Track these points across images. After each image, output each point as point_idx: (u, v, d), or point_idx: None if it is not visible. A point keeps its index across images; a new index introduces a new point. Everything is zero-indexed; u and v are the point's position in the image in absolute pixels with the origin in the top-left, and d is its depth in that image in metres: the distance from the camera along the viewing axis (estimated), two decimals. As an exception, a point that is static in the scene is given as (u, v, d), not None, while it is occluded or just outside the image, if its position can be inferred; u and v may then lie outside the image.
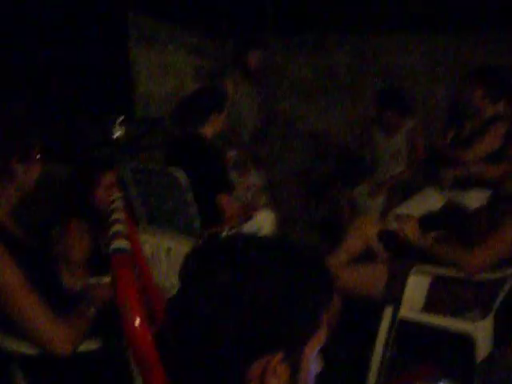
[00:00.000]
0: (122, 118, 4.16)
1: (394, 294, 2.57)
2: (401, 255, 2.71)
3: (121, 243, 1.28)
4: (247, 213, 3.40)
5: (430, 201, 3.77)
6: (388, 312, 2.57)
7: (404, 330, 2.52)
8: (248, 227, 3.38)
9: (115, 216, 1.53)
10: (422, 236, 2.61)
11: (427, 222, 3.61)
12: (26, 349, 1.60)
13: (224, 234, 3.20)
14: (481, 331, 2.46)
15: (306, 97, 6.91)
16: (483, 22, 6.45)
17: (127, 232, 1.39)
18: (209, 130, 3.39)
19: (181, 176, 3.08)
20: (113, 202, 1.72)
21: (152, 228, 3.01)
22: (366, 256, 2.90)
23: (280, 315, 0.88)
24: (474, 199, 3.50)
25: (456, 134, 3.80)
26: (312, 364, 0.94)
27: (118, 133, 3.96)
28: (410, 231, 2.61)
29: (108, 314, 1.64)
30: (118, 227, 1.41)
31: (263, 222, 3.54)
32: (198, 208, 3.15)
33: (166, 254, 2.47)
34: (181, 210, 3.17)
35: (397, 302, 2.52)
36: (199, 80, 5.87)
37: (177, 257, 2.46)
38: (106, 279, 1.97)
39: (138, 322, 1.02)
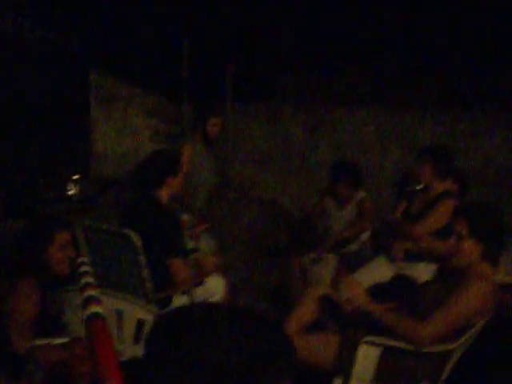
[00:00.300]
0: (77, 176, 4.14)
1: (343, 364, 2.58)
2: (351, 325, 2.74)
3: (96, 308, 1.26)
4: (199, 277, 3.37)
5: (381, 271, 3.84)
6: (338, 383, 2.57)
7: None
8: (199, 292, 3.36)
9: (86, 280, 1.50)
10: (371, 304, 2.65)
11: (377, 292, 3.68)
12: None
13: (175, 298, 3.18)
14: (429, 404, 2.50)
15: (260, 164, 7.04)
16: (429, 102, 6.84)
17: (99, 297, 1.37)
18: (164, 193, 3.40)
19: (135, 238, 3.05)
20: (80, 265, 1.69)
21: (103, 290, 2.94)
22: (317, 325, 2.91)
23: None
24: (423, 272, 3.58)
25: (406, 208, 3.92)
26: None
27: (72, 191, 3.93)
28: (359, 298, 2.66)
29: (57, 378, 1.59)
30: (90, 292, 1.39)
31: (214, 288, 3.52)
32: (150, 271, 3.11)
33: (117, 318, 2.41)
34: (133, 273, 3.11)
35: (347, 372, 2.52)
36: (156, 142, 5.93)
37: (129, 320, 2.41)
38: (56, 341, 1.91)
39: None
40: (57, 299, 2.54)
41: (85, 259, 1.73)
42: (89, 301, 1.31)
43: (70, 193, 3.97)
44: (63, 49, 4.83)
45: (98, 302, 1.32)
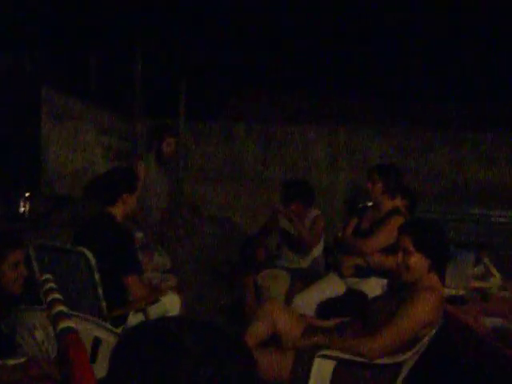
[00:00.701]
0: (27, 193, 4.07)
1: (299, 378, 2.62)
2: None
3: (67, 323, 1.26)
4: (154, 295, 3.36)
5: (332, 287, 3.91)
6: (294, 397, 2.61)
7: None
8: (155, 309, 3.35)
9: (53, 296, 1.50)
10: (314, 337, 2.71)
11: (329, 307, 3.75)
12: None
13: (130, 316, 3.15)
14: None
15: (213, 182, 7.07)
16: (379, 120, 7.05)
17: (68, 312, 1.37)
18: (119, 211, 3.38)
19: (89, 256, 3.02)
20: (45, 282, 1.68)
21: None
22: (272, 341, 2.95)
23: None
24: (373, 287, 3.69)
25: (357, 224, 4.02)
26: None
27: (23, 208, 3.86)
28: (300, 341, 2.72)
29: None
30: (59, 307, 1.39)
31: (170, 305, 3.51)
32: (105, 289, 3.08)
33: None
34: (87, 291, 3.08)
35: (302, 386, 2.57)
36: (109, 159, 5.88)
37: (84, 339, 2.37)
38: (10, 361, 1.89)
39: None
40: (8, 319, 2.49)
41: (49, 276, 1.71)
42: (59, 316, 1.31)
43: (20, 210, 3.89)
44: (12, 63, 4.77)
45: (69, 316, 1.33)
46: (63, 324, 1.24)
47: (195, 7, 5.45)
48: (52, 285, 1.67)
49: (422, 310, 2.54)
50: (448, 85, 6.73)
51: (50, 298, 1.50)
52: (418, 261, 2.67)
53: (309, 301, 3.89)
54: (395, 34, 5.62)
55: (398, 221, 3.60)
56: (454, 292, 3.35)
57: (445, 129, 7.03)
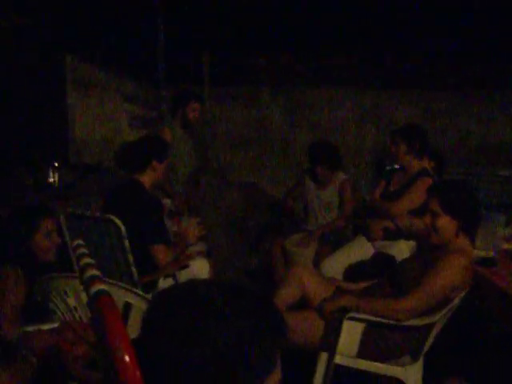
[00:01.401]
0: (56, 163, 4.12)
1: (328, 340, 2.65)
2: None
3: (100, 286, 1.28)
4: (183, 261, 3.39)
5: (360, 251, 3.91)
6: (323, 358, 2.64)
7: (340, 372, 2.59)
8: (183, 275, 3.39)
9: (85, 261, 1.52)
10: (342, 300, 2.71)
11: (357, 271, 3.76)
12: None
13: (160, 281, 3.20)
14: (411, 375, 2.59)
15: (238, 148, 7.05)
16: (405, 82, 6.91)
17: (100, 276, 1.39)
18: (148, 179, 3.38)
19: (118, 223, 3.06)
20: (76, 248, 1.71)
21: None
22: (302, 304, 2.97)
23: (239, 358, 0.92)
24: (401, 250, 3.67)
25: (385, 187, 3.99)
26: None
27: (52, 178, 3.91)
28: (329, 304, 2.72)
29: (50, 363, 1.61)
30: (92, 272, 1.41)
31: (198, 271, 3.55)
32: (135, 255, 3.12)
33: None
34: (117, 258, 3.13)
35: (332, 348, 2.59)
36: (134, 127, 5.90)
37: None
38: (45, 327, 1.93)
39: (130, 361, 1.04)
40: (42, 286, 2.55)
41: (80, 242, 1.74)
42: (92, 280, 1.33)
43: (50, 180, 3.94)
44: (36, 34, 4.76)
45: (101, 280, 1.35)
46: (96, 287, 1.26)
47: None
48: (84, 250, 1.69)
49: (450, 272, 2.53)
50: (474, 45, 6.54)
51: (82, 263, 1.53)
52: (446, 223, 2.64)
53: (337, 264, 3.90)
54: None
55: (426, 182, 3.58)
56: (483, 254, 3.32)
57: (472, 89, 6.87)
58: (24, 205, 2.68)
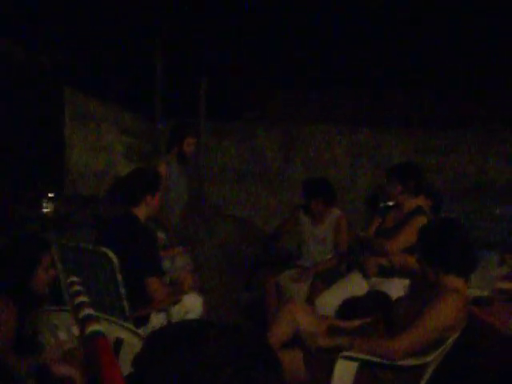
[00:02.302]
0: (51, 194, 4.11)
1: (321, 379, 2.61)
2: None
3: (96, 326, 1.26)
4: (175, 295, 3.37)
5: (355, 287, 3.88)
6: (316, 399, 2.60)
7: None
8: (176, 310, 3.36)
9: (80, 299, 1.50)
10: (336, 338, 2.69)
11: (352, 308, 3.72)
12: None
13: (153, 316, 3.17)
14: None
15: (233, 182, 7.07)
16: (400, 119, 6.99)
17: (96, 315, 1.37)
18: (142, 212, 3.40)
19: (111, 256, 3.04)
20: (71, 284, 1.69)
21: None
22: (294, 342, 2.94)
23: None
24: (396, 288, 3.65)
25: (379, 224, 3.98)
26: None
27: (47, 208, 3.89)
28: (323, 339, 2.70)
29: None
30: (87, 310, 1.39)
31: (191, 306, 3.52)
32: (127, 289, 3.10)
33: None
34: (110, 291, 3.10)
35: (325, 388, 2.55)
36: (130, 159, 5.92)
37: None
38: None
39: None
40: (33, 319, 2.52)
41: (76, 279, 1.72)
42: (87, 319, 1.32)
43: (45, 210, 3.93)
44: (35, 66, 4.81)
45: (97, 320, 1.33)
46: (92, 327, 1.25)
47: (215, 7, 5.46)
48: (79, 287, 1.68)
49: (445, 312, 2.51)
50: (470, 83, 6.64)
51: (77, 301, 1.51)
52: (425, 268, 2.67)
53: (331, 301, 3.86)
54: (417, 34, 5.56)
55: (421, 220, 3.56)
56: (478, 293, 3.31)
57: (467, 128, 6.94)
58: (23, 236, 2.62)
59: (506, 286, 3.59)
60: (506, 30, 5.26)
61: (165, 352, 0.94)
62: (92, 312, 1.38)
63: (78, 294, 1.59)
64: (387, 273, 3.76)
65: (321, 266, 4.53)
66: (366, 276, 3.90)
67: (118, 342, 2.53)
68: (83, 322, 1.30)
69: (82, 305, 1.45)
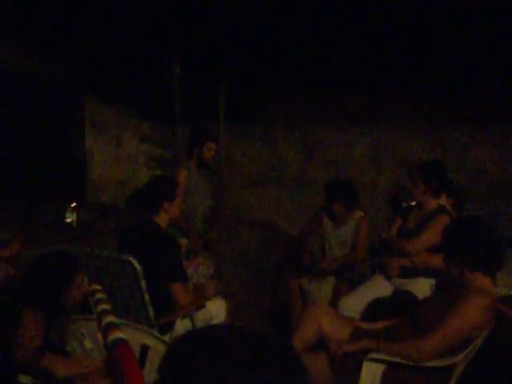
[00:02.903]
0: (74, 204, 4.16)
1: (346, 382, 2.60)
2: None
3: (118, 334, 1.27)
4: (200, 301, 3.38)
5: (379, 289, 3.85)
6: (343, 401, 2.58)
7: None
8: (201, 316, 3.37)
9: (102, 307, 1.52)
10: (361, 341, 2.66)
11: (377, 309, 3.70)
12: None
13: (177, 322, 3.17)
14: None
15: (254, 186, 7.07)
16: (420, 117, 6.92)
17: (118, 323, 1.38)
18: (162, 218, 3.42)
19: (135, 263, 3.06)
20: (94, 293, 1.70)
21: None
22: (320, 345, 2.92)
23: None
24: (421, 288, 3.61)
25: (401, 224, 3.95)
26: None
27: (70, 218, 3.94)
28: (347, 347, 2.68)
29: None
30: (109, 318, 1.40)
31: (216, 311, 3.53)
32: (151, 296, 3.11)
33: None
34: (134, 298, 3.12)
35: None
36: (151, 167, 5.96)
37: (132, 346, 2.40)
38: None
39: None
40: (60, 328, 2.54)
41: (98, 287, 1.74)
42: (109, 327, 1.32)
43: (68, 220, 3.98)
44: (55, 76, 4.86)
45: (119, 327, 1.34)
46: (114, 335, 1.25)
47: (231, 11, 5.47)
48: (101, 295, 1.69)
49: (471, 313, 2.48)
50: (492, 77, 6.55)
51: (99, 309, 1.52)
52: (450, 265, 2.65)
53: (355, 303, 3.84)
54: (434, 32, 5.52)
55: (444, 220, 3.53)
56: (505, 291, 3.25)
57: (488, 123, 6.85)
58: (57, 253, 2.63)
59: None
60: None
61: (188, 359, 0.94)
62: (114, 319, 1.39)
63: (101, 301, 1.60)
64: (410, 273, 3.72)
65: (341, 260, 4.49)
66: (389, 277, 3.86)
67: (144, 349, 2.54)
68: (105, 330, 1.31)
69: (104, 312, 1.45)
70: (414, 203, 4.04)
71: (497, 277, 2.71)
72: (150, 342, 2.47)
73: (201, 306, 3.35)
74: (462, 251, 2.63)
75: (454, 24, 5.42)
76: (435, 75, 6.56)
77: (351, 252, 4.56)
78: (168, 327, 3.17)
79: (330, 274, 4.49)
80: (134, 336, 2.57)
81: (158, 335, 2.64)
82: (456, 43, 5.86)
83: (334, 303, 4.09)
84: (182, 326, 3.20)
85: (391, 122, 7.00)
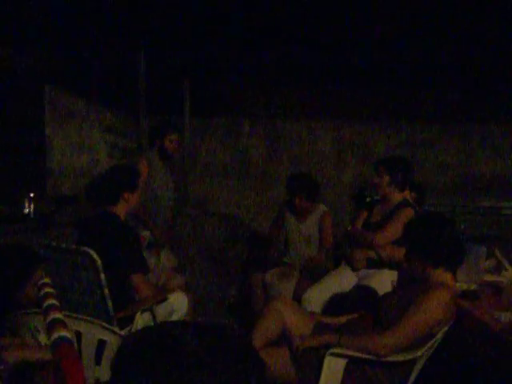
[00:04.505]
0: (32, 194, 4.04)
1: (309, 377, 2.58)
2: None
3: (62, 332, 1.21)
4: (161, 294, 3.32)
5: (343, 281, 3.87)
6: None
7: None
8: (162, 309, 3.31)
9: (49, 302, 1.45)
10: (323, 336, 2.65)
11: (339, 303, 3.71)
12: None
13: (137, 316, 3.11)
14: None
15: (219, 179, 7.03)
16: (385, 113, 6.98)
17: (64, 320, 1.32)
18: (121, 210, 3.34)
19: (94, 255, 2.98)
20: (42, 286, 1.63)
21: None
22: (282, 339, 2.90)
23: None
24: (384, 281, 3.64)
25: (366, 218, 3.98)
26: None
27: (28, 209, 3.82)
28: (310, 342, 2.66)
29: None
30: (55, 315, 1.33)
31: (177, 304, 3.48)
32: (111, 289, 3.04)
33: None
34: (93, 292, 3.04)
35: (312, 385, 2.52)
36: (114, 157, 5.84)
37: (88, 341, 2.34)
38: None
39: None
40: (12, 322, 2.45)
41: (47, 280, 1.66)
42: (54, 324, 1.26)
43: (25, 211, 3.86)
44: (15, 64, 4.72)
45: (64, 324, 1.27)
46: (57, 333, 1.19)
47: (198, 6, 5.39)
48: (49, 290, 1.61)
49: (432, 308, 2.49)
50: (453, 76, 6.64)
51: (45, 304, 1.45)
52: (413, 260, 2.68)
53: (318, 297, 3.85)
54: (397, 27, 5.54)
55: (408, 212, 3.64)
56: (465, 287, 3.29)
57: (451, 121, 6.96)
58: (15, 247, 2.51)
59: (492, 278, 3.58)
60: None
61: (140, 356, 0.89)
62: (60, 316, 1.32)
63: (48, 296, 1.53)
64: (376, 265, 3.77)
65: (307, 263, 4.50)
66: (354, 269, 3.89)
67: (101, 344, 2.48)
68: (49, 327, 1.24)
69: (50, 308, 1.38)
70: (377, 198, 4.08)
71: (457, 272, 2.73)
72: (107, 336, 2.41)
73: (162, 300, 3.29)
74: (425, 248, 2.64)
75: (420, 24, 5.46)
76: (401, 74, 6.60)
77: (317, 255, 4.57)
78: (128, 321, 3.10)
79: (295, 269, 4.48)
80: (90, 331, 2.50)
81: (115, 329, 2.58)
82: (420, 43, 5.91)
83: (296, 298, 4.09)
84: (142, 320, 3.14)
85: (355, 118, 7.05)
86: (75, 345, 2.31)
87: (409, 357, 2.49)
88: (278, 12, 5.32)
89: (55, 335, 1.18)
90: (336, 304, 3.78)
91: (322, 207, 4.65)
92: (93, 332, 2.39)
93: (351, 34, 5.69)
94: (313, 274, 4.36)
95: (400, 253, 3.28)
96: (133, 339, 0.96)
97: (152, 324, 3.09)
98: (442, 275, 2.61)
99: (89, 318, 2.53)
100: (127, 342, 0.95)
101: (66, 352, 1.11)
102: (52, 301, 1.47)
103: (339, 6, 4.92)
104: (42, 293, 1.60)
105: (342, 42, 5.90)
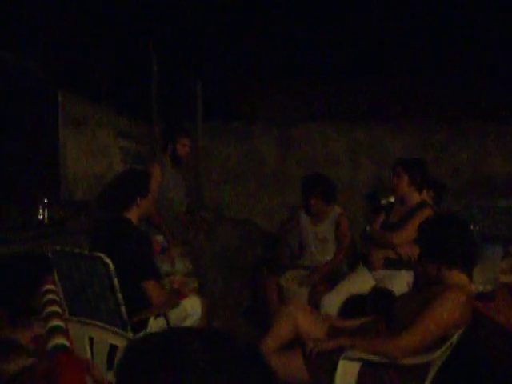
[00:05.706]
0: (46, 200, 4.06)
1: (323, 381, 2.55)
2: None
3: (60, 340, 1.19)
4: (175, 299, 3.31)
5: (361, 282, 3.85)
6: (318, 400, 2.54)
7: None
8: (176, 314, 3.30)
9: (51, 309, 1.44)
10: (337, 339, 2.63)
11: (355, 306, 3.68)
12: None
13: (151, 321, 3.10)
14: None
15: (232, 183, 7.02)
16: (399, 115, 6.93)
17: (65, 327, 1.30)
18: (134, 214, 3.33)
19: (107, 261, 2.98)
20: (46, 293, 1.62)
21: (72, 318, 2.84)
22: (295, 343, 2.88)
23: None
24: (401, 283, 3.62)
25: (384, 219, 3.96)
26: None
27: (42, 215, 3.84)
28: (324, 343, 2.64)
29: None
30: (55, 322, 1.32)
31: (191, 309, 3.47)
32: (124, 294, 3.04)
33: (88, 344, 2.33)
34: (106, 297, 3.04)
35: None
36: (127, 163, 5.87)
37: (100, 346, 2.33)
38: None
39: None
40: (27, 328, 2.46)
41: (51, 287, 1.65)
42: (53, 331, 1.24)
43: (39, 217, 3.88)
44: (29, 70, 4.75)
45: (64, 332, 1.26)
46: (55, 340, 1.18)
47: (210, 11, 5.40)
48: (52, 296, 1.60)
49: (447, 310, 2.45)
50: (469, 77, 6.58)
51: (47, 311, 1.43)
52: (426, 263, 2.65)
53: (337, 300, 3.83)
54: (414, 29, 5.51)
55: (427, 213, 3.63)
56: (481, 288, 3.25)
57: (466, 121, 6.90)
58: (27, 255, 2.53)
59: (508, 279, 3.53)
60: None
61: (143, 363, 0.88)
62: (60, 323, 1.31)
63: (50, 303, 1.51)
64: (394, 265, 3.74)
65: (325, 268, 4.43)
66: (372, 269, 3.87)
67: (113, 349, 2.48)
68: (48, 334, 1.23)
69: (51, 315, 1.37)
70: (392, 200, 4.06)
71: (472, 273, 2.69)
72: (118, 342, 2.41)
73: (176, 305, 3.28)
74: (440, 249, 2.61)
75: (437, 23, 5.42)
76: (415, 75, 6.56)
77: (334, 258, 4.51)
78: (142, 326, 3.09)
79: (315, 273, 4.42)
80: (101, 336, 2.50)
81: (128, 335, 2.57)
82: (436, 44, 5.87)
83: (311, 301, 4.06)
84: (156, 324, 3.13)
85: (370, 118, 7.01)
86: (88, 351, 2.31)
87: (424, 360, 2.46)
88: (289, 13, 5.32)
89: (53, 342, 1.17)
90: (354, 307, 3.75)
91: (338, 209, 4.59)
92: (104, 337, 2.38)
93: (359, 33, 5.67)
94: (327, 278, 4.32)
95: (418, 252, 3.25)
96: (136, 344, 0.94)
97: (165, 329, 3.08)
98: (458, 276, 2.58)
99: (100, 324, 2.53)
100: (131, 347, 0.94)
101: (60, 360, 1.09)
102: (53, 307, 1.46)
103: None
104: (44, 299, 1.59)
105: (353, 43, 5.88)
